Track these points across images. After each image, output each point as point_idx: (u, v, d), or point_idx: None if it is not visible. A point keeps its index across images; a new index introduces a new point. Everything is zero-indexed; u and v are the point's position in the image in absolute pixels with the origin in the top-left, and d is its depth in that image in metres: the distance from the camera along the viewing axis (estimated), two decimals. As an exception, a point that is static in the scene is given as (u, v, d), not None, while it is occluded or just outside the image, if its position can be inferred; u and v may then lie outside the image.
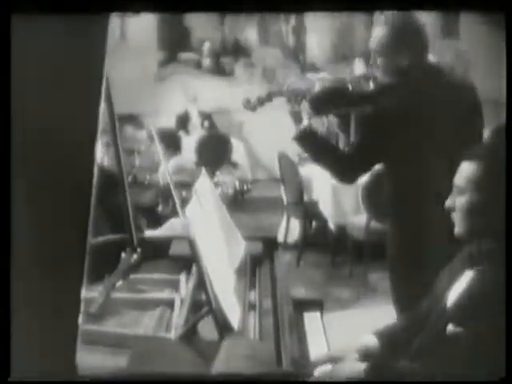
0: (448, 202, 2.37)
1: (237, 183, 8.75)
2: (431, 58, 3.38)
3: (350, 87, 3.38)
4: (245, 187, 9.36)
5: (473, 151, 2.37)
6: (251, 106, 3.42)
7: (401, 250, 3.34)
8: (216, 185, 7.11)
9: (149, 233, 2.65)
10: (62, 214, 1.65)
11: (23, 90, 1.58)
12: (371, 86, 3.34)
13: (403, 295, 3.33)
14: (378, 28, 3.36)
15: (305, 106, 3.33)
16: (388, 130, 3.20)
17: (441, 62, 11.58)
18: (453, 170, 2.38)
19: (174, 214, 3.37)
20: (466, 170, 2.33)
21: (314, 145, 3.38)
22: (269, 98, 3.42)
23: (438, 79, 3.31)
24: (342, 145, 7.57)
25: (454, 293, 2.33)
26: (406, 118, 3.17)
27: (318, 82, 3.39)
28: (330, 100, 3.39)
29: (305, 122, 3.35)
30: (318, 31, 12.77)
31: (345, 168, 3.34)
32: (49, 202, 1.65)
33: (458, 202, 2.33)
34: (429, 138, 3.17)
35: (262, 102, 3.43)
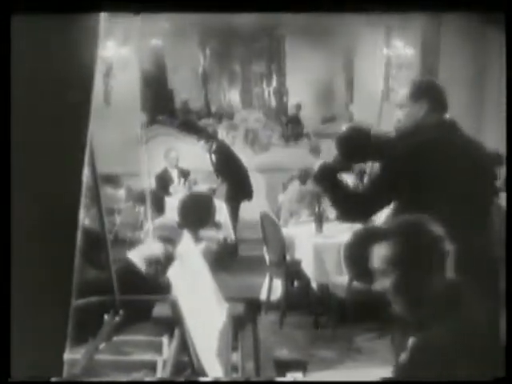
0: (376, 287, 2.43)
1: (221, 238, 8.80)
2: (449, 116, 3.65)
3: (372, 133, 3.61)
4: (228, 240, 9.40)
5: (382, 232, 2.44)
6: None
7: None
8: (200, 240, 7.11)
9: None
10: (45, 276, 1.67)
11: (23, 91, 1.59)
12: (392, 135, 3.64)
13: None
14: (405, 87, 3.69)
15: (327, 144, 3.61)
16: (399, 174, 3.42)
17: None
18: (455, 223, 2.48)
19: (158, 275, 3.39)
20: (382, 252, 2.39)
21: (330, 181, 3.56)
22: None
23: (451, 134, 3.55)
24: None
25: (401, 358, 2.40)
26: (416, 164, 3.39)
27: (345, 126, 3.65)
28: (356, 147, 3.61)
29: (322, 159, 3.61)
30: (300, 92, 12.93)
31: (357, 205, 3.53)
32: (32, 264, 1.67)
33: (385, 284, 2.39)
34: (436, 190, 3.36)
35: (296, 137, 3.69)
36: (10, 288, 1.62)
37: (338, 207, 3.61)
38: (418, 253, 2.35)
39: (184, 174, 10.49)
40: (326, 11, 1.99)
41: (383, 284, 2.41)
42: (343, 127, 3.65)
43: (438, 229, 2.41)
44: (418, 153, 3.42)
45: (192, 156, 10.90)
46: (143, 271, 3.36)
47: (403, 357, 2.38)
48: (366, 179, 3.69)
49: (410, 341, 2.37)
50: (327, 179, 3.56)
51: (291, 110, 12.94)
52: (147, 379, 2.38)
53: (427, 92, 3.60)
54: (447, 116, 3.60)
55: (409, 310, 2.41)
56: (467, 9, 2.09)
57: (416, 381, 2.28)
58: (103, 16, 1.70)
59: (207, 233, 9.02)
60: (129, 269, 3.30)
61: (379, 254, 2.40)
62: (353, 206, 3.56)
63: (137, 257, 3.39)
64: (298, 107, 13.02)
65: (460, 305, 2.33)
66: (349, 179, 7.94)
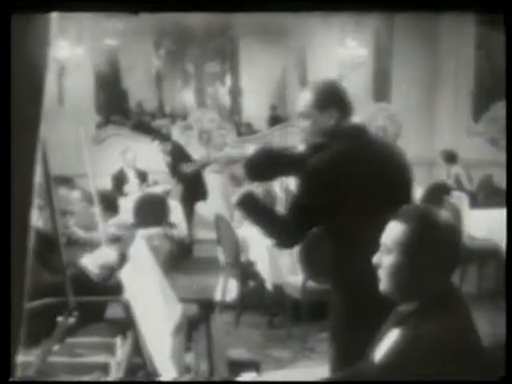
0: (375, 259, 2.44)
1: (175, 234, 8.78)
2: (357, 119, 3.48)
3: (281, 151, 3.48)
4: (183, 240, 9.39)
5: (403, 212, 2.44)
6: (189, 171, 3.51)
7: (345, 310, 3.34)
8: (150, 239, 7.08)
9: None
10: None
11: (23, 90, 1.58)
12: (302, 148, 3.42)
13: (344, 355, 3.32)
14: (305, 93, 3.43)
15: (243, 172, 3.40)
16: (318, 190, 3.24)
17: (373, 124, 11.92)
18: (381, 228, 2.46)
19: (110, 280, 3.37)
20: (394, 231, 2.39)
21: (254, 210, 3.39)
22: (207, 164, 3.46)
23: (364, 139, 3.38)
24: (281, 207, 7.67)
25: (381, 350, 2.40)
26: (333, 177, 3.21)
27: (252, 148, 3.47)
28: (264, 168, 3.44)
29: (245, 187, 3.38)
30: (254, 92, 12.97)
31: (283, 232, 3.35)
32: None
33: (384, 261, 2.40)
34: (357, 197, 3.21)
35: (199, 168, 3.51)
36: (10, 287, 1.61)
37: (263, 232, 3.44)
38: (429, 244, 2.34)
39: (141, 174, 10.46)
40: (279, 11, 1.99)
41: (382, 260, 2.41)
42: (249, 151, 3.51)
43: (454, 230, 2.41)
44: (333, 164, 3.25)
45: (147, 157, 10.86)
46: (96, 278, 3.33)
47: (385, 349, 2.38)
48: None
49: (396, 331, 2.37)
50: (248, 208, 3.39)
51: (268, 112, 13.00)
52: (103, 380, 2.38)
53: (333, 98, 3.38)
54: (356, 120, 3.42)
55: (397, 294, 2.41)
56: (465, 9, 2.10)
57: (416, 381, 2.27)
58: (55, 15, 1.69)
59: (162, 233, 9.02)
60: (82, 276, 3.28)
61: (391, 230, 2.40)
62: (277, 233, 3.40)
63: (90, 263, 3.37)
64: (274, 108, 13.09)
65: (452, 304, 2.34)
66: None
